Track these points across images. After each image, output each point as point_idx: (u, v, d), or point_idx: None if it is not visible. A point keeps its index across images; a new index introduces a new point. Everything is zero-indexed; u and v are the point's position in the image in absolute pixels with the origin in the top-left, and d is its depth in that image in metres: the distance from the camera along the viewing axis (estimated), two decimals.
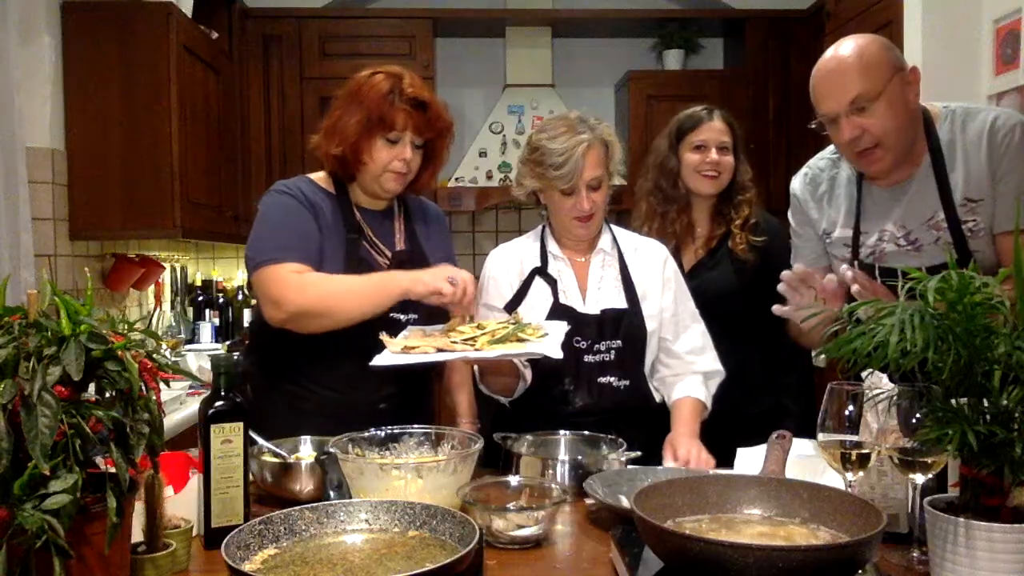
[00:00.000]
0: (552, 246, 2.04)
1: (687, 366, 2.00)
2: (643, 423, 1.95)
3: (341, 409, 1.87)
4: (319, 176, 1.98)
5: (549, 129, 1.95)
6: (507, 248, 2.10)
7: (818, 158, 1.98)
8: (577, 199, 1.93)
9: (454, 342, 1.66)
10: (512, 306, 1.97)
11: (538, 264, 2.03)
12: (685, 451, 1.80)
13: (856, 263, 1.84)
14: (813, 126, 1.80)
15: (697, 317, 2.06)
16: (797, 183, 1.99)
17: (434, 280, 1.75)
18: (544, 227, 2.09)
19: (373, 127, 1.86)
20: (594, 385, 1.93)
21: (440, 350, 1.64)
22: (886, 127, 1.70)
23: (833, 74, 1.73)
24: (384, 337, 1.70)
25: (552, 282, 1.99)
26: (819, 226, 1.95)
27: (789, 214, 2.03)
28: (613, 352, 1.94)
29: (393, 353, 1.65)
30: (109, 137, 3.20)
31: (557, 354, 1.62)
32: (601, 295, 1.99)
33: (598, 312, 1.96)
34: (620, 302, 1.98)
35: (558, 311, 1.95)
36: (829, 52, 1.76)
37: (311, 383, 1.92)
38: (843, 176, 1.91)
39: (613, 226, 2.11)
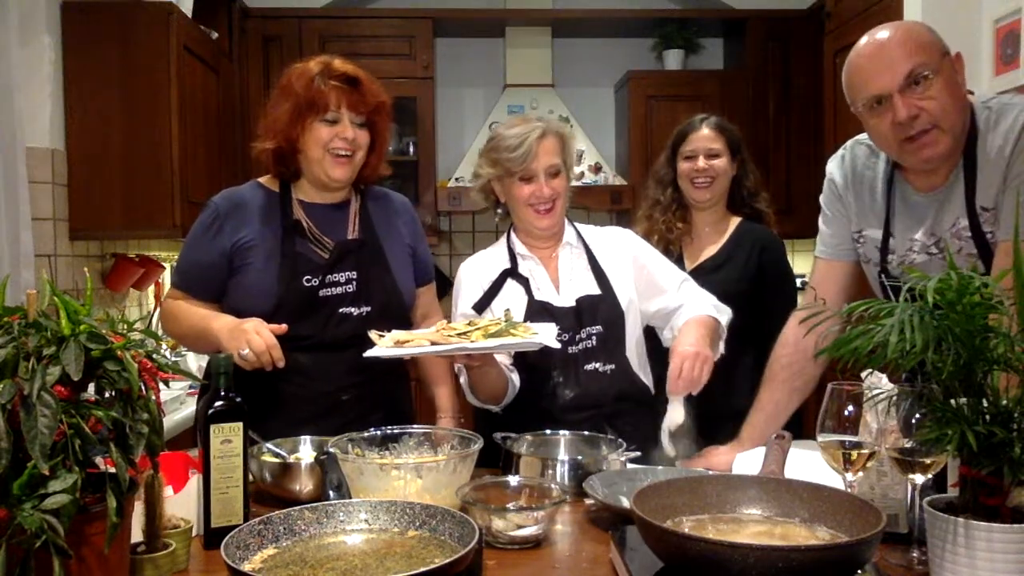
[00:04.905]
0: (519, 247, 2.06)
1: (699, 307, 1.97)
2: (637, 416, 1.95)
3: (300, 402, 1.87)
4: (267, 177, 2.00)
5: (505, 125, 2.03)
6: (475, 257, 2.12)
7: (856, 142, 1.80)
8: (536, 185, 1.96)
9: (449, 336, 1.66)
10: (481, 306, 1.99)
11: (507, 266, 2.04)
12: (680, 359, 1.75)
13: (885, 273, 1.72)
14: (859, 108, 1.62)
15: (688, 277, 2.09)
16: (834, 165, 1.83)
17: (230, 343, 1.74)
18: (509, 231, 2.11)
19: (305, 112, 1.87)
20: (581, 374, 1.94)
21: (435, 343, 1.65)
22: (944, 106, 1.53)
23: (882, 50, 1.56)
24: (373, 335, 1.70)
25: (524, 281, 2.01)
26: (850, 214, 1.80)
27: (821, 198, 1.87)
28: (595, 338, 1.96)
29: (385, 347, 1.65)
30: (109, 137, 3.21)
31: (554, 343, 1.64)
32: (574, 285, 2.01)
33: (573, 302, 1.97)
34: (593, 288, 2.00)
35: (534, 307, 1.96)
36: (866, 38, 1.61)
37: (268, 376, 1.86)
38: (880, 169, 1.73)
39: (576, 223, 2.13)
